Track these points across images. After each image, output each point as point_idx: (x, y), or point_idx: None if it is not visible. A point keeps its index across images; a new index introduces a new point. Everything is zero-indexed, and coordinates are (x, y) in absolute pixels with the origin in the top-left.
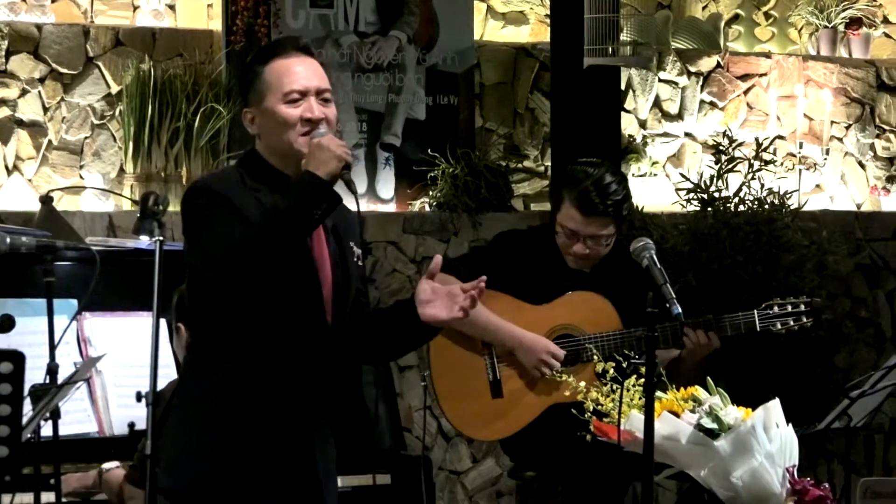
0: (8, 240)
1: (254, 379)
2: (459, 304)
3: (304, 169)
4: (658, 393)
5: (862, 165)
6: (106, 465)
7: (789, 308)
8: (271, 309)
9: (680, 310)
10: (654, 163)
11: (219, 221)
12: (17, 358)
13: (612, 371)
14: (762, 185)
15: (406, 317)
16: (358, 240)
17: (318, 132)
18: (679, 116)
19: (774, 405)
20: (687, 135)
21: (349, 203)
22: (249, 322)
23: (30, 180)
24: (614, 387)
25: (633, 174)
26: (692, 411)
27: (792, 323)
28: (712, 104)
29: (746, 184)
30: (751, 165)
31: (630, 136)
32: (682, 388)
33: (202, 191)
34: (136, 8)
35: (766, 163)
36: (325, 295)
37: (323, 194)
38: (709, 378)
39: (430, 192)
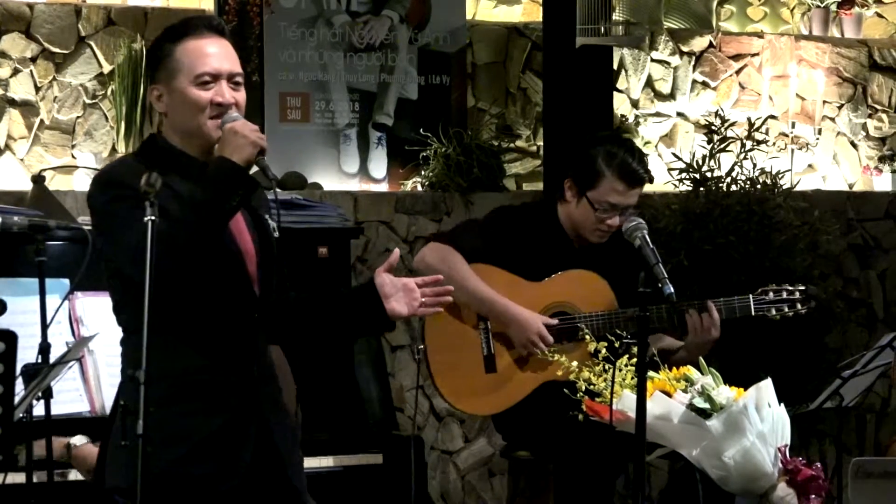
0: (0, 219)
1: (195, 363)
2: (419, 301)
3: (219, 155)
4: (650, 373)
5: (854, 145)
6: (74, 440)
7: (784, 295)
8: (198, 288)
9: (672, 290)
10: (646, 142)
11: (131, 214)
12: (9, 337)
13: (604, 351)
14: (754, 165)
15: (366, 307)
16: (271, 212)
17: (229, 116)
18: (671, 96)
19: (766, 385)
20: (679, 114)
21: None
22: (182, 306)
23: (21, 160)
24: (606, 366)
25: None
26: (684, 391)
27: (787, 309)
28: (704, 84)
29: (739, 164)
30: (743, 145)
31: (622, 115)
32: (674, 368)
33: (109, 184)
34: None
35: (759, 142)
36: (250, 266)
37: (240, 181)
38: (701, 358)
39: (423, 172)
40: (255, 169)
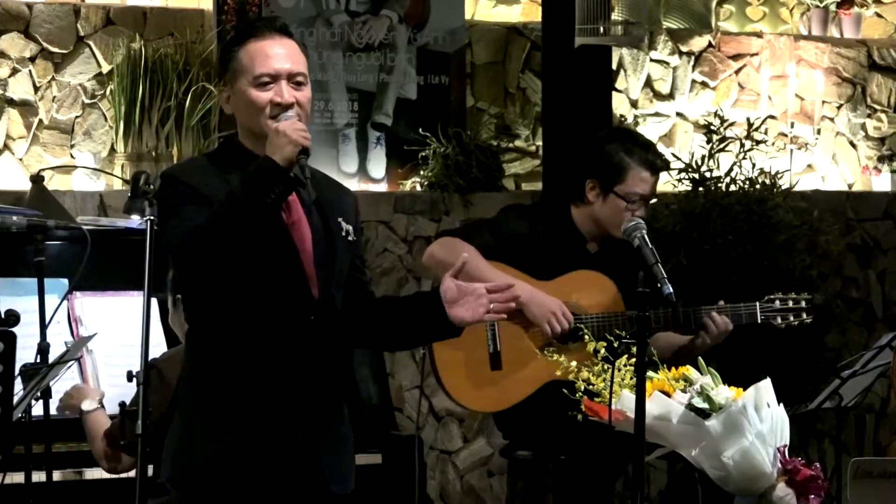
0: None
1: (245, 359)
2: (485, 307)
3: (265, 154)
4: (649, 373)
5: (853, 145)
6: (86, 406)
7: (790, 304)
8: (253, 288)
9: (671, 290)
10: None
11: (180, 210)
12: (8, 338)
13: (603, 351)
14: (753, 165)
15: (431, 312)
16: (350, 217)
17: (284, 115)
18: (670, 96)
19: (765, 385)
20: (678, 114)
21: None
22: (236, 303)
23: (20, 159)
24: (605, 366)
25: None
26: (683, 391)
27: (792, 318)
28: (704, 84)
29: (738, 164)
30: (742, 145)
31: (621, 115)
32: (673, 368)
33: (167, 180)
34: None
35: (758, 142)
36: (308, 268)
37: (277, 179)
38: (700, 358)
39: (422, 172)
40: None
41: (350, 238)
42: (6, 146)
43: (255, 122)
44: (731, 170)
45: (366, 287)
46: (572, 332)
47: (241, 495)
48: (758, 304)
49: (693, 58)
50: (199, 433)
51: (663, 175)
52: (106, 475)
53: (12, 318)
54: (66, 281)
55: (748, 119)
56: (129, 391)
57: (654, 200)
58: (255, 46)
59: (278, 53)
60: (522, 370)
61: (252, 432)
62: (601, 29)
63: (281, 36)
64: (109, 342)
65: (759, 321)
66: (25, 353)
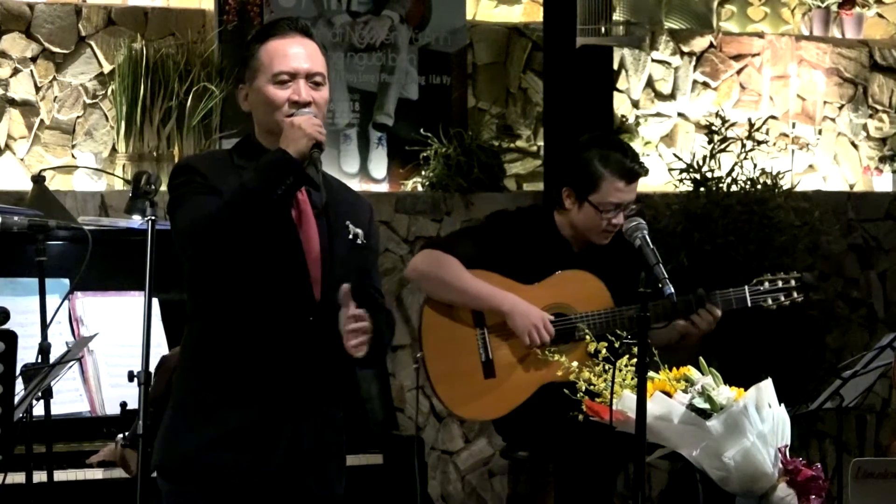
0: (0, 219)
1: (241, 355)
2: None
3: (278, 147)
4: (650, 373)
5: (854, 146)
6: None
7: (780, 284)
8: (255, 283)
9: (672, 290)
10: (646, 143)
11: (190, 198)
12: (9, 337)
13: (604, 351)
14: (755, 166)
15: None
16: (361, 221)
17: (300, 112)
18: (672, 96)
19: (766, 385)
20: (680, 115)
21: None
22: (237, 297)
23: (22, 160)
24: (606, 367)
25: None
26: (684, 391)
27: (783, 298)
28: (705, 84)
29: (739, 164)
30: (743, 145)
31: (623, 115)
32: (674, 368)
33: (181, 169)
34: None
35: (759, 143)
36: (312, 269)
37: (289, 170)
38: (701, 358)
39: (423, 172)
40: None
41: (359, 241)
42: (7, 146)
43: (272, 119)
44: (732, 170)
45: (374, 296)
46: (567, 331)
47: (223, 490)
48: (746, 287)
49: (694, 58)
50: (185, 424)
51: (665, 175)
52: (107, 475)
53: (1, 314)
54: (67, 281)
55: (749, 119)
56: (129, 391)
57: (634, 206)
58: (275, 45)
59: (298, 53)
60: (516, 375)
61: (236, 428)
62: (602, 29)
63: (302, 36)
64: (110, 342)
65: (750, 304)
66: (26, 354)
